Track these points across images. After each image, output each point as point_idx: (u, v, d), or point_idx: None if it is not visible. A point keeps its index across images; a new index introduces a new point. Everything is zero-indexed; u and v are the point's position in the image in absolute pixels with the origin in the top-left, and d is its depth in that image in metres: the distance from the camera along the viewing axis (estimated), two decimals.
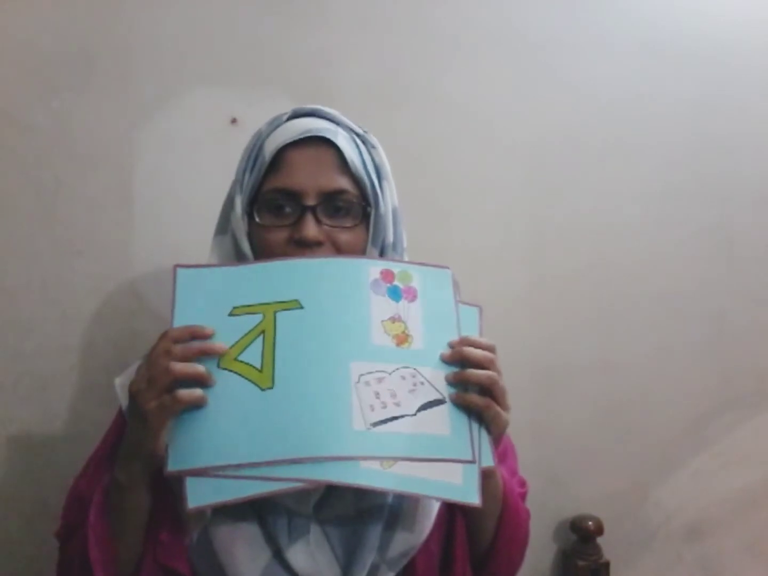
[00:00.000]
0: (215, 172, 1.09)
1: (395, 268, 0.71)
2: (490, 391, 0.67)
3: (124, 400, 0.76)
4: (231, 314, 0.67)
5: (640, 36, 1.23)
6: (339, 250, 0.73)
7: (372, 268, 0.70)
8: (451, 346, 0.69)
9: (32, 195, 1.05)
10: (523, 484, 0.86)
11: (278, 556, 0.68)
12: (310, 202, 0.72)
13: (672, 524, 1.26)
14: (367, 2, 1.15)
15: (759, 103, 1.27)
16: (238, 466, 0.62)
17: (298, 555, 0.67)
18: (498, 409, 0.67)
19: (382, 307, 0.69)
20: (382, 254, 0.77)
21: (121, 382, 0.78)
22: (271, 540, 0.68)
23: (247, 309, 0.67)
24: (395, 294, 0.70)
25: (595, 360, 1.22)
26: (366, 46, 1.15)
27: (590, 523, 1.18)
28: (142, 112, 1.08)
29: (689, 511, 1.27)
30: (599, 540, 1.19)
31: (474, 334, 0.71)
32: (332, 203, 0.73)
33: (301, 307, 0.67)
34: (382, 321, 0.68)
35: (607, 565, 1.18)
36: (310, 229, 0.71)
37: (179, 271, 0.69)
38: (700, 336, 1.25)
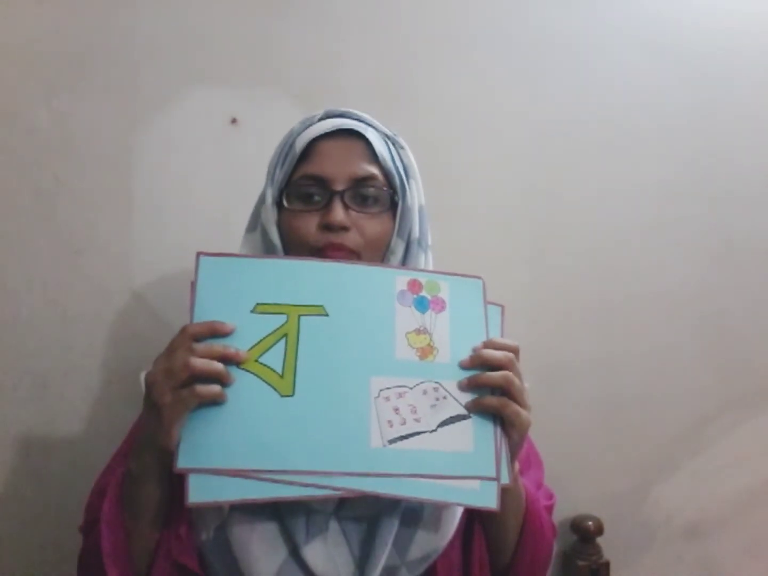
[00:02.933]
0: (215, 172, 1.10)
1: (423, 278, 0.70)
2: (507, 390, 0.65)
3: None
4: (254, 311, 0.66)
5: (641, 36, 1.23)
6: (365, 237, 0.73)
7: (399, 277, 0.69)
8: (474, 351, 0.68)
9: (32, 195, 1.05)
10: (550, 496, 0.85)
11: (295, 553, 0.67)
12: (339, 187, 0.72)
13: (672, 524, 1.26)
14: (367, 2, 1.15)
15: (759, 103, 1.27)
16: (248, 472, 0.61)
17: (315, 553, 0.67)
18: (516, 407, 0.65)
19: (407, 318, 0.67)
20: (407, 248, 0.77)
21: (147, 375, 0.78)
22: (288, 537, 0.68)
23: (271, 308, 0.66)
24: (422, 305, 0.68)
25: (595, 360, 1.22)
26: (366, 46, 1.15)
27: (590, 523, 1.18)
28: (142, 112, 1.08)
29: (689, 511, 1.26)
30: (599, 540, 1.19)
31: (496, 335, 0.71)
32: (361, 190, 0.74)
33: (326, 314, 0.66)
34: (407, 333, 0.67)
35: (607, 565, 1.18)
36: (338, 213, 0.71)
37: (202, 259, 0.67)
38: (700, 336, 1.25)
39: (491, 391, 0.66)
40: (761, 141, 1.27)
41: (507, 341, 0.69)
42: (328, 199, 0.72)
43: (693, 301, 1.25)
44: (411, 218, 0.76)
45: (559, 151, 1.20)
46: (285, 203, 0.74)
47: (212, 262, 0.67)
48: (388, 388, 0.65)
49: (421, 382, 0.66)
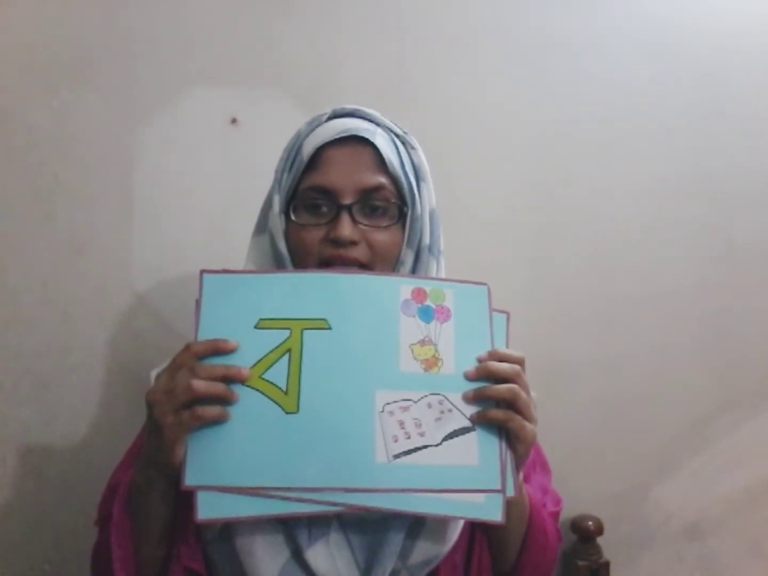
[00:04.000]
0: (215, 172, 1.10)
1: (428, 286, 0.68)
2: (512, 404, 0.65)
3: None
4: (257, 326, 0.65)
5: (641, 36, 1.22)
6: (374, 249, 0.72)
7: (403, 287, 0.68)
8: (479, 361, 0.67)
9: (32, 195, 1.05)
10: (557, 502, 0.85)
11: (297, 556, 0.67)
12: (347, 200, 0.71)
13: (672, 524, 1.26)
14: (367, 2, 1.15)
15: (759, 103, 1.27)
16: (256, 489, 0.62)
17: (317, 556, 0.67)
18: (522, 421, 0.65)
19: (411, 329, 0.67)
20: (417, 256, 0.76)
21: (156, 374, 0.78)
22: (291, 540, 0.68)
23: (274, 323, 0.65)
24: (426, 315, 0.67)
25: (595, 360, 1.22)
26: (366, 46, 1.14)
27: (590, 523, 1.17)
28: (142, 112, 1.08)
29: (689, 511, 1.26)
30: (599, 540, 1.19)
31: (501, 342, 0.70)
32: (368, 202, 0.73)
33: (329, 328, 0.66)
34: (411, 345, 0.66)
35: (607, 565, 1.18)
36: (346, 228, 0.70)
37: (206, 277, 0.67)
38: (700, 336, 1.25)
39: (496, 403, 0.66)
40: (761, 141, 1.26)
41: (513, 353, 0.68)
42: (336, 213, 0.71)
43: (693, 301, 1.25)
44: (421, 226, 0.75)
45: (559, 152, 1.20)
46: (292, 215, 0.73)
47: (216, 279, 0.67)
48: (393, 402, 0.65)
49: (426, 395, 0.65)
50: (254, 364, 0.64)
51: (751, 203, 1.26)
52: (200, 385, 0.61)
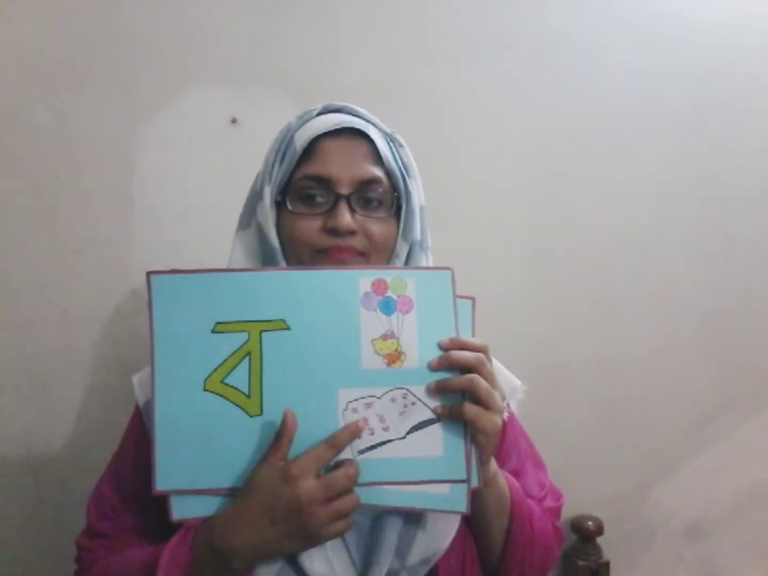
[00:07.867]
0: (215, 172, 1.10)
1: (389, 276, 0.66)
2: (473, 394, 0.63)
3: (141, 398, 0.75)
4: (214, 331, 0.64)
5: (641, 36, 1.23)
6: (371, 240, 0.72)
7: (362, 279, 0.65)
8: (442, 348, 0.65)
9: (32, 195, 1.05)
10: (557, 497, 0.84)
11: (292, 560, 0.66)
12: (345, 191, 0.71)
13: (672, 524, 1.26)
14: (367, 2, 1.15)
15: (759, 104, 1.27)
16: (227, 490, 0.62)
17: (312, 559, 0.66)
18: (478, 411, 0.63)
19: (373, 324, 0.65)
20: (410, 251, 0.76)
21: (139, 379, 0.77)
22: None
23: (231, 326, 0.64)
24: (388, 307, 0.65)
25: (595, 360, 1.22)
26: (366, 46, 1.15)
27: (590, 523, 1.18)
28: (142, 112, 1.08)
29: (689, 511, 1.27)
30: (599, 540, 1.19)
31: (467, 330, 0.68)
32: (365, 193, 0.72)
33: (288, 328, 0.64)
34: (373, 340, 0.65)
35: (607, 565, 1.18)
36: (345, 217, 0.69)
37: (153, 278, 0.65)
38: (700, 336, 1.25)
39: (462, 393, 0.65)
40: (761, 141, 1.27)
41: (476, 341, 0.66)
42: (333, 203, 0.71)
43: (693, 301, 1.25)
44: (414, 220, 0.76)
45: (558, 151, 1.21)
46: (288, 205, 0.72)
47: (165, 280, 0.65)
48: (356, 400, 0.64)
49: (389, 390, 0.64)
50: (214, 370, 0.63)
51: (750, 203, 1.26)
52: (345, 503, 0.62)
